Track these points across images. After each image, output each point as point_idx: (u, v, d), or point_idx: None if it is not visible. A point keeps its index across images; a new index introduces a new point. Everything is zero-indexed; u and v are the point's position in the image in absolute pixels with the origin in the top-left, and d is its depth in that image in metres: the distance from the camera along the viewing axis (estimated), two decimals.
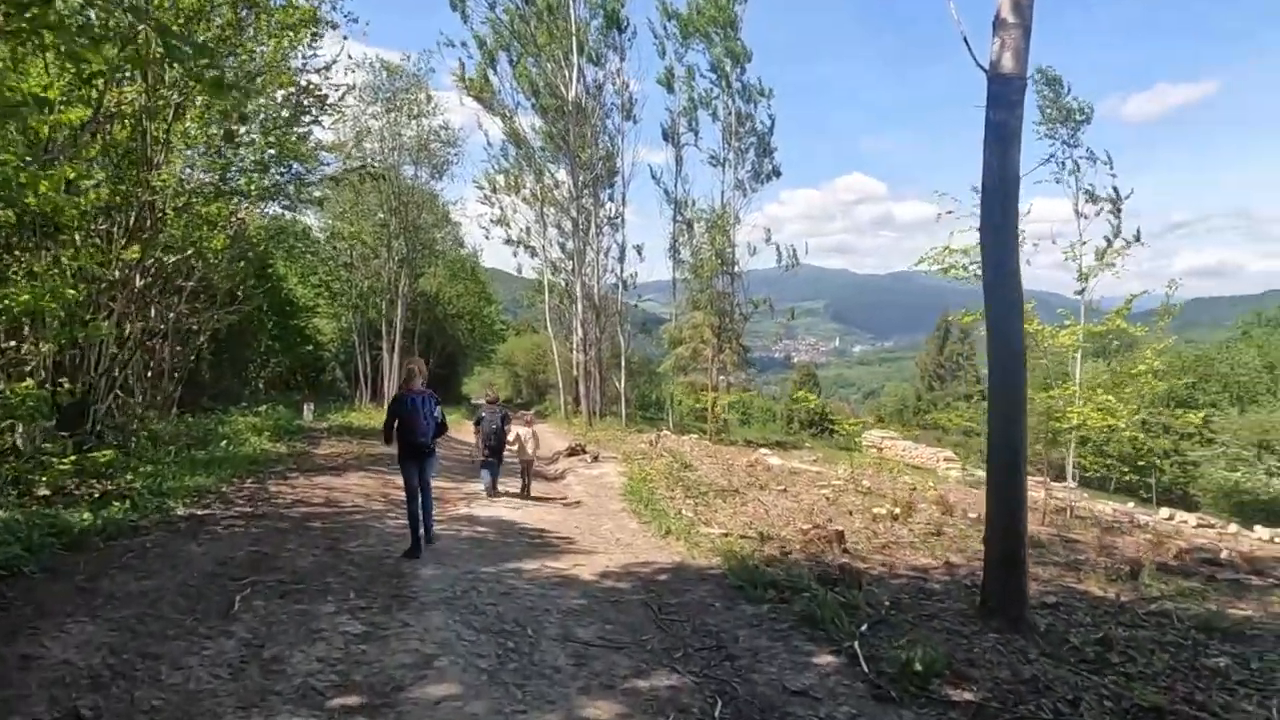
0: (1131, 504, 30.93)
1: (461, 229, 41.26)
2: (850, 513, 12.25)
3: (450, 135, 31.49)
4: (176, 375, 17.72)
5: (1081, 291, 23.76)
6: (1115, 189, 27.05)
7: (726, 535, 8.94)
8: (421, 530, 7.41)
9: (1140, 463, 30.79)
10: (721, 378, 26.77)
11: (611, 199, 35.84)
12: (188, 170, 13.45)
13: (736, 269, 27.80)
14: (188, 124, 12.81)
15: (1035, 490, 21.74)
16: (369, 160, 24.16)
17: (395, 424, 7.51)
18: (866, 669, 4.70)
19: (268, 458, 13.10)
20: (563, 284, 36.53)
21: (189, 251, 13.93)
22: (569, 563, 7.32)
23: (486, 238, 34.97)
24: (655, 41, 32.74)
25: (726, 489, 13.78)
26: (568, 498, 13.32)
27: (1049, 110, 27.54)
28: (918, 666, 4.57)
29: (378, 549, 7.27)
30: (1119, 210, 27.06)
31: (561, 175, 33.62)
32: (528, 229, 35.45)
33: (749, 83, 33.53)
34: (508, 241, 35.79)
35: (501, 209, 34.95)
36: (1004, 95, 6.06)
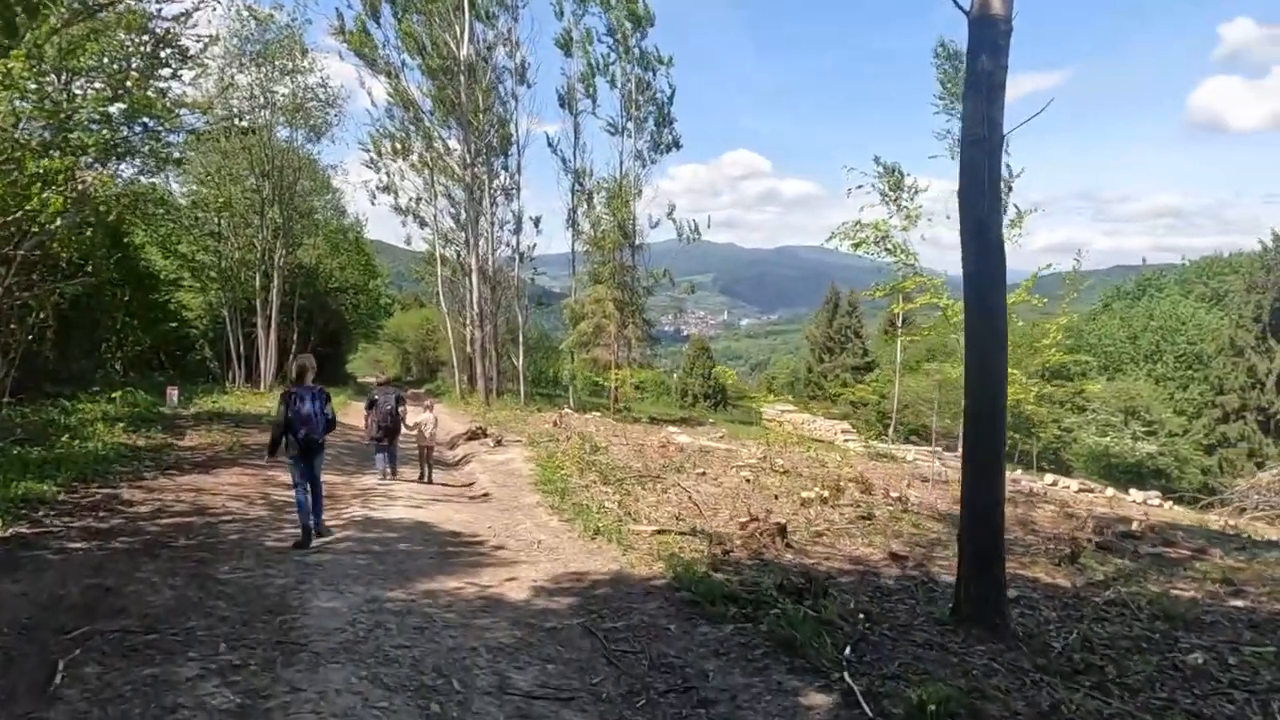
0: (1019, 471, 32.31)
1: (344, 197, 38.58)
2: (776, 496, 11.68)
3: (329, 94, 29.07)
4: (10, 356, 15.38)
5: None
6: (1009, 165, 27.78)
7: (660, 533, 8.11)
8: (311, 520, 7.27)
9: (1031, 431, 32.16)
10: (625, 353, 25.95)
11: (506, 168, 34.24)
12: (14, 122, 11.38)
13: (639, 241, 26.96)
14: (10, 65, 10.74)
15: (931, 462, 22.06)
16: (235, 115, 21.76)
17: (285, 423, 7.23)
18: (870, 712, 3.95)
19: (121, 454, 11.28)
20: (455, 256, 34.70)
21: (17, 214, 11.83)
22: (491, 577, 6.29)
23: (373, 203, 32.78)
24: (552, 1, 31.17)
25: (644, 474, 12.97)
26: (474, 488, 12.21)
27: (949, 85, 27.87)
28: (931, 708, 3.85)
29: (256, 574, 6.00)
30: (1010, 188, 27.81)
31: (453, 141, 31.72)
32: (417, 198, 33.44)
33: (648, 49, 32.54)
34: (396, 210, 33.70)
35: (388, 175, 32.78)
36: (990, 40, 5.36)
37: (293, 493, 7.34)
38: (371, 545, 7.19)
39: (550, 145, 33.94)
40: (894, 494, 12.87)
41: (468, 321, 33.04)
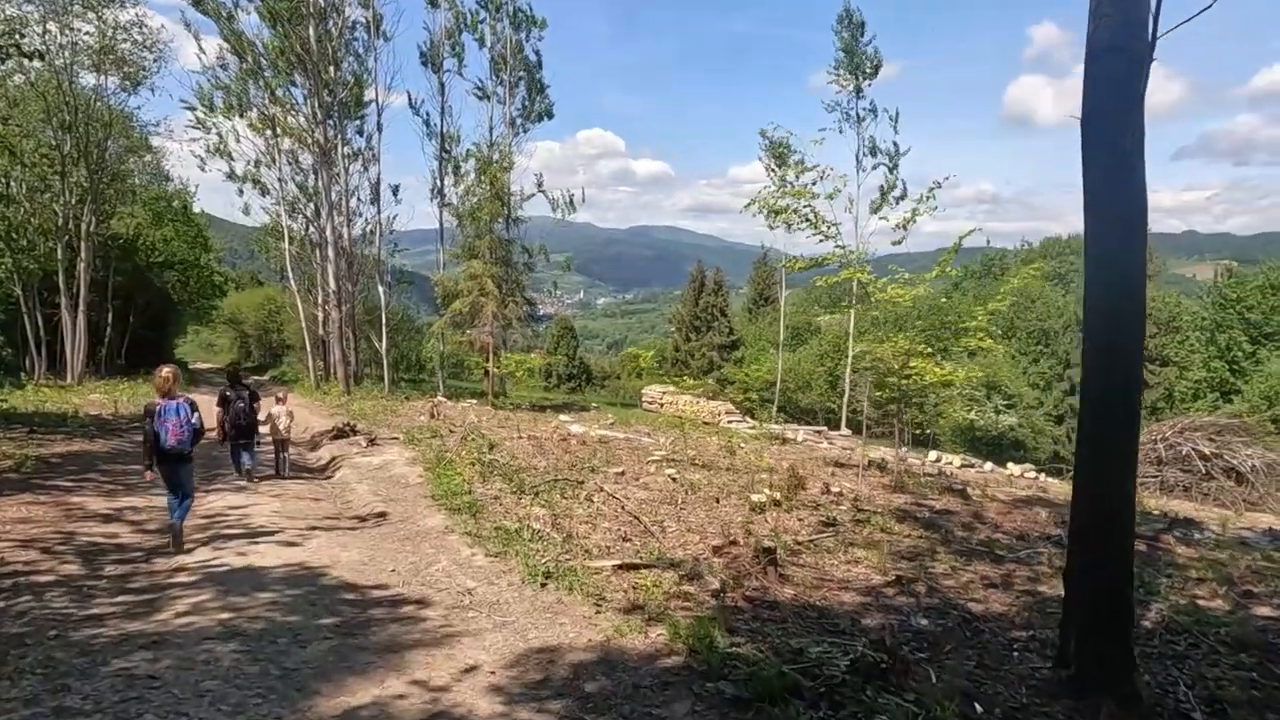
0: (905, 449, 32.69)
1: (167, 160, 33.62)
2: (717, 500, 10.22)
3: (147, 35, 24.79)
4: None
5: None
6: (895, 143, 27.64)
7: (625, 568, 6.38)
8: (176, 519, 7.13)
9: (920, 410, 32.56)
10: (505, 334, 23.78)
11: (361, 131, 30.88)
12: None
13: (519, 213, 24.73)
14: None
15: (820, 442, 21.48)
16: (18, 37, 17.71)
17: (154, 437, 7.04)
18: None
19: None
20: (302, 229, 31.02)
21: None
22: (426, 669, 4.35)
23: (202, 168, 28.50)
24: None
25: (558, 477, 11.16)
26: (352, 503, 9.98)
27: (853, 55, 27.33)
28: None
29: (43, 708, 3.76)
30: (896, 164, 27.68)
31: (300, 98, 28.06)
32: (256, 161, 29.46)
33: (521, 7, 30.13)
34: (231, 176, 29.60)
35: (221, 135, 28.62)
36: None
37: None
38: (237, 622, 5.02)
39: (412, 106, 30.86)
40: (834, 488, 11.76)
41: (319, 301, 29.63)
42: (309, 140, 28.40)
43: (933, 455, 27.83)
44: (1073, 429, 38.26)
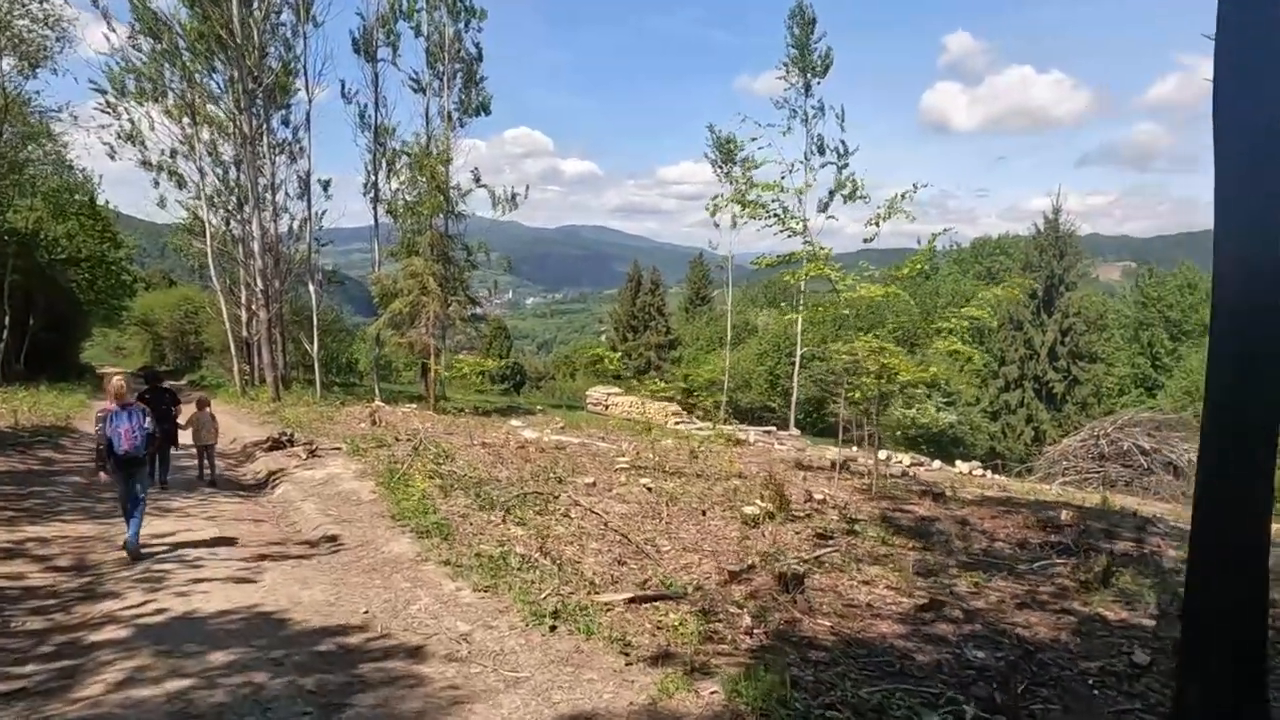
0: (855, 449, 32.72)
1: (71, 150, 30.99)
2: (703, 512, 9.55)
3: (48, 11, 22.69)
4: None
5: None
6: (844, 141, 27.45)
7: (636, 602, 5.61)
8: (130, 531, 7.13)
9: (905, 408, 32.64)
10: (448, 335, 22.58)
11: (288, 123, 29.15)
12: None
13: (461, 208, 23.55)
14: None
15: (771, 443, 21.10)
16: None
17: (108, 442, 7.12)
18: None
19: None
20: (223, 224, 29.08)
21: None
22: None
23: (113, 157, 26.30)
24: None
25: (525, 490, 10.30)
26: (298, 525, 8.92)
27: (804, 53, 26.98)
28: None
29: None
30: (847, 163, 27.53)
31: (220, 85, 26.22)
32: (173, 151, 27.39)
33: None
34: (145, 164, 27.46)
35: (133, 122, 26.50)
36: None
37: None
38: (190, 694, 4.05)
39: (345, 96, 29.34)
40: (816, 496, 11.21)
41: (243, 302, 27.79)
42: (231, 130, 26.60)
43: (883, 454, 27.88)
44: (1008, 425, 39.14)
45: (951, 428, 35.11)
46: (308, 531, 8.63)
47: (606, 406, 32.83)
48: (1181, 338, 38.93)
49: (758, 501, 9.50)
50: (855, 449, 32.07)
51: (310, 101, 26.73)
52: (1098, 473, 24.30)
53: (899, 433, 38.56)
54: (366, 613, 5.53)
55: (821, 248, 15.09)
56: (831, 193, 28.60)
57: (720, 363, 40.21)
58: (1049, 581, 7.25)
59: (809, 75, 27.65)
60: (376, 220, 27.48)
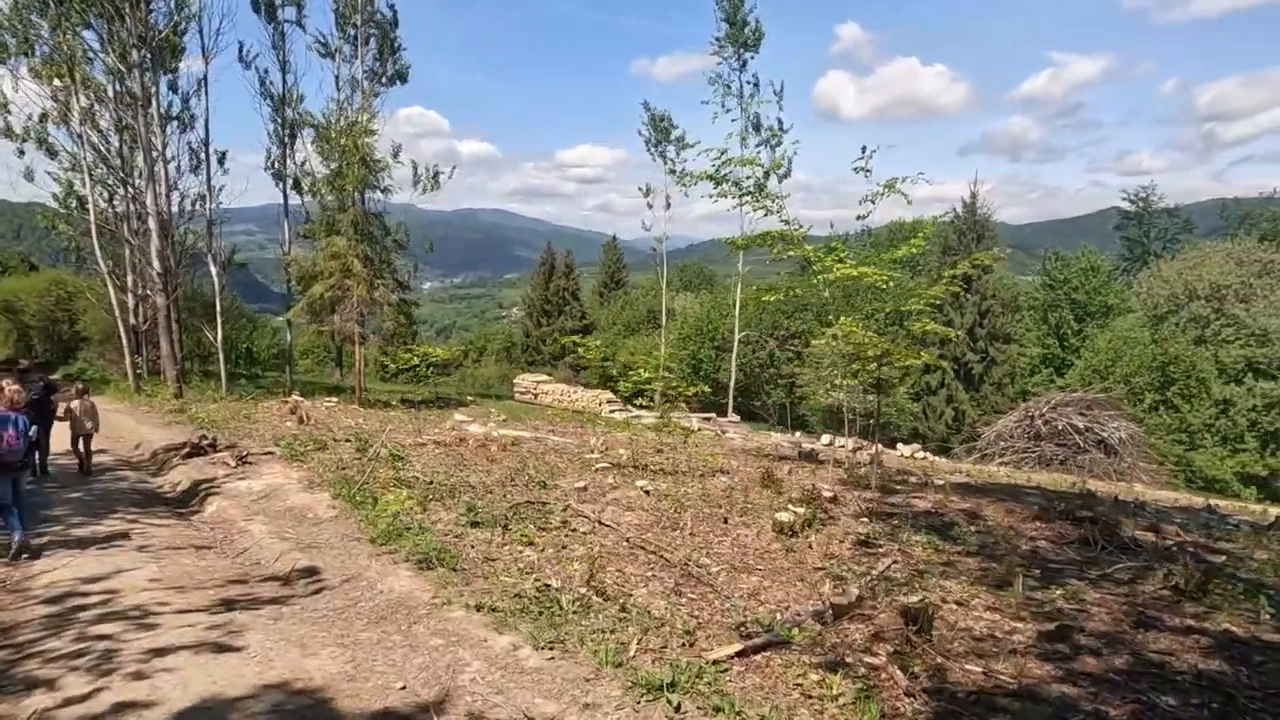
0: (798, 434, 32.45)
1: None
2: (725, 520, 8.55)
3: None
4: None
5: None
6: (779, 119, 26.79)
7: (744, 655, 4.54)
8: (16, 536, 7.06)
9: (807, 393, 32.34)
10: (375, 321, 20.67)
11: (175, 88, 26.17)
12: None
13: (388, 184, 21.59)
14: None
15: (714, 428, 20.34)
16: None
17: None
18: None
19: None
20: (106, 200, 25.90)
21: None
22: None
23: None
24: None
25: (515, 498, 9.06)
26: (258, 558, 7.39)
27: (725, 27, 26.05)
28: None
29: None
30: (780, 142, 26.91)
31: (95, 42, 23.13)
32: (43, 116, 24.12)
33: None
34: (8, 134, 24.13)
35: None
36: None
37: None
38: None
39: (243, 59, 26.61)
40: (826, 492, 10.39)
41: (130, 286, 24.82)
42: (112, 93, 23.59)
43: (825, 439, 27.67)
44: (929, 405, 39.89)
45: (881, 411, 35.41)
46: (270, 563, 7.13)
47: (536, 395, 31.44)
48: (1086, 319, 40.54)
49: (790, 507, 8.55)
50: (799, 433, 31.84)
51: (207, 63, 23.96)
52: (1034, 452, 24.75)
53: (828, 415, 38.81)
54: (404, 688, 4.25)
55: (800, 226, 14.30)
56: (767, 173, 27.99)
57: (650, 347, 39.35)
58: (1137, 590, 6.60)
59: (742, 50, 26.85)
60: (286, 197, 25.07)
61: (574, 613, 5.16)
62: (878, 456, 12.69)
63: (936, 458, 26.19)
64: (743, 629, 5.01)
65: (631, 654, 4.47)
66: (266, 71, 27.10)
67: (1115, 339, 36.49)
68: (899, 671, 4.30)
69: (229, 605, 5.71)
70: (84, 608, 5.57)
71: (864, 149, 13.39)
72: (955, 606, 5.91)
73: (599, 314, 67.59)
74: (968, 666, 4.58)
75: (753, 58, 26.77)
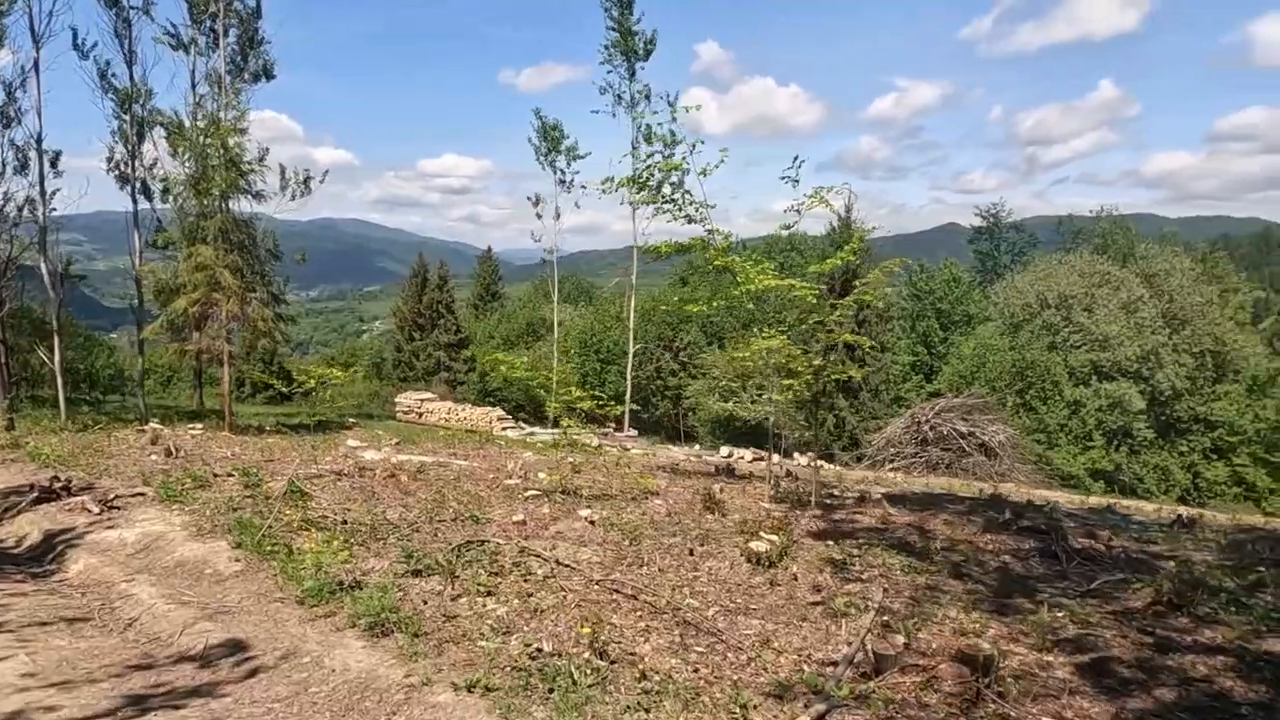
0: (697, 447, 32.18)
1: None
2: (691, 551, 7.91)
3: None
4: None
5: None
6: (672, 130, 26.48)
7: None
8: None
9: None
10: (247, 339, 18.68)
11: None
12: None
13: (261, 188, 19.62)
14: None
15: (614, 443, 19.83)
16: None
17: None
18: None
19: None
20: None
21: None
22: None
23: None
24: None
25: (454, 538, 8.11)
26: (155, 630, 6.10)
27: (615, 35, 25.57)
28: None
29: None
30: (671, 154, 26.67)
31: None
32: None
33: None
34: None
35: None
36: None
37: None
38: None
39: (78, 48, 23.82)
40: (776, 513, 9.96)
41: None
42: None
43: (725, 450, 27.61)
44: (810, 413, 41.03)
45: (767, 419, 35.94)
46: (173, 638, 5.87)
47: (420, 414, 29.79)
48: (951, 327, 42.88)
49: (764, 535, 8.02)
50: (698, 446, 31.65)
51: (38, 49, 21.13)
52: (922, 457, 25.64)
53: (716, 426, 39.07)
54: None
55: (726, 234, 13.97)
56: (659, 184, 27.71)
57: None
58: (1128, 607, 6.48)
59: (632, 59, 26.53)
60: (135, 202, 22.46)
61: (589, 686, 4.37)
62: (817, 473, 12.45)
63: (838, 468, 26.62)
64: (785, 691, 4.38)
65: None
66: (109, 63, 24.38)
67: (979, 346, 38.74)
68: None
69: (140, 706, 4.53)
70: None
71: (795, 158, 13.19)
72: (978, 639, 5.53)
73: (475, 327, 65.71)
74: (1045, 718, 4.15)
75: (643, 68, 26.52)
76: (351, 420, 24.54)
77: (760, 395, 37.51)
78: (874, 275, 14.18)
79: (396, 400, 31.10)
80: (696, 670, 4.76)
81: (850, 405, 40.12)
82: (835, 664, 4.97)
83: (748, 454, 25.81)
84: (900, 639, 4.97)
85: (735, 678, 4.68)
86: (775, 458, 27.47)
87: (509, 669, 4.67)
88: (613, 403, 17.63)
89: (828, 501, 11.74)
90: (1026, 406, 36.85)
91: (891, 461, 25.99)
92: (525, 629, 5.52)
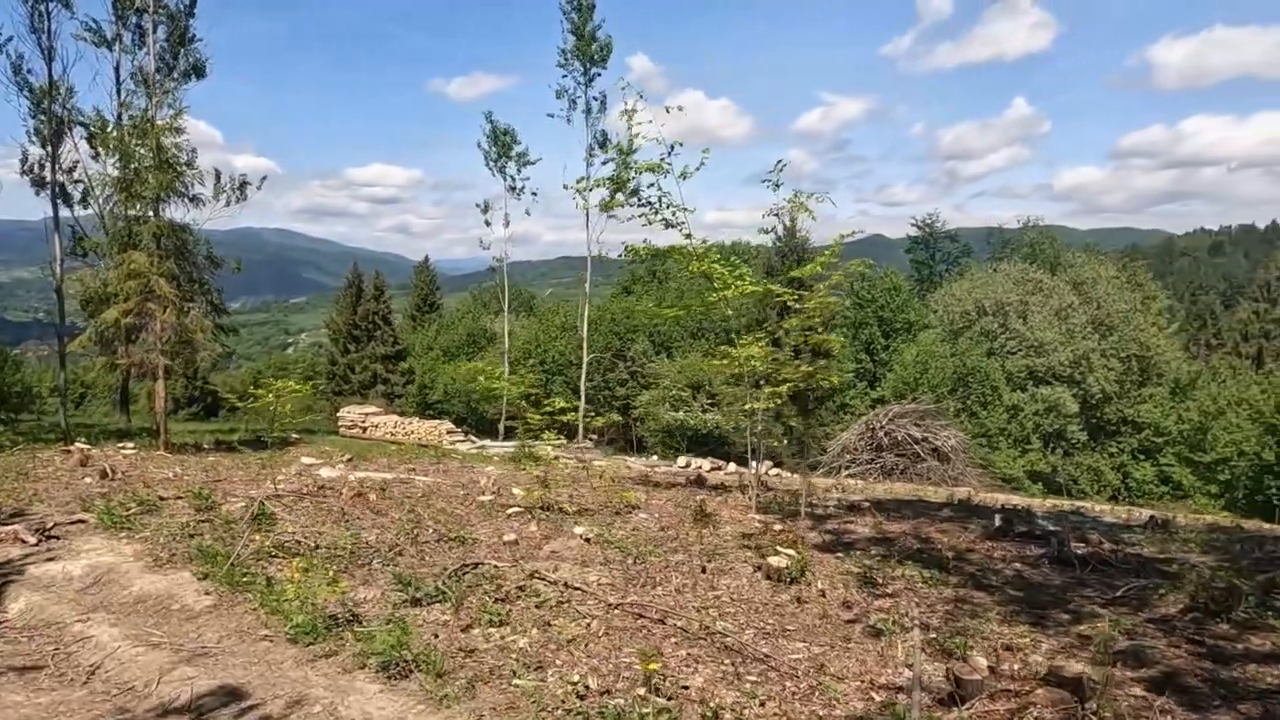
0: (655, 457, 31.72)
1: None
2: (704, 569, 7.50)
3: None
4: None
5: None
6: (631, 139, 26.23)
7: None
8: None
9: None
10: (192, 352, 17.48)
11: None
12: None
13: (198, 189, 18.41)
14: None
15: (575, 459, 19.40)
16: None
17: None
18: None
19: None
20: None
21: None
22: None
23: None
24: None
25: (446, 562, 7.54)
26: (126, 680, 5.38)
27: (572, 40, 25.14)
28: None
29: None
30: (629, 162, 26.39)
31: None
32: None
33: None
34: None
35: None
36: None
37: None
38: None
39: None
40: (775, 526, 9.64)
41: None
42: None
43: (682, 460, 27.31)
44: (766, 421, 41.18)
45: (717, 428, 35.86)
46: (150, 687, 5.16)
47: (365, 428, 28.64)
48: (892, 335, 43.64)
49: (781, 549, 7.67)
50: (655, 456, 31.26)
51: None
52: (878, 463, 25.79)
53: (667, 435, 38.75)
54: None
55: (704, 240, 13.74)
56: (613, 193, 27.39)
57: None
58: (1167, 615, 6.34)
59: (589, 65, 26.16)
60: (56, 207, 20.93)
61: None
62: (808, 482, 12.21)
63: (797, 475, 26.55)
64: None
65: None
66: (23, 58, 22.79)
67: (921, 353, 39.48)
68: None
69: None
70: None
71: (778, 162, 13.00)
72: (1031, 656, 5.28)
73: (413, 339, 64.17)
74: None
75: (600, 74, 26.15)
76: (295, 436, 23.36)
77: (711, 405, 37.47)
78: (854, 264, 14.16)
79: (339, 414, 29.84)
80: (764, 705, 4.36)
81: (796, 412, 40.44)
82: (900, 689, 4.64)
83: (705, 463, 25.58)
84: (983, 661, 4.66)
85: (807, 711, 4.30)
86: (731, 466, 27.32)
87: (560, 712, 4.19)
88: (573, 412, 17.34)
89: (817, 512, 11.50)
90: (968, 411, 37.69)
91: (847, 468, 26.05)
92: (557, 662, 5.03)
